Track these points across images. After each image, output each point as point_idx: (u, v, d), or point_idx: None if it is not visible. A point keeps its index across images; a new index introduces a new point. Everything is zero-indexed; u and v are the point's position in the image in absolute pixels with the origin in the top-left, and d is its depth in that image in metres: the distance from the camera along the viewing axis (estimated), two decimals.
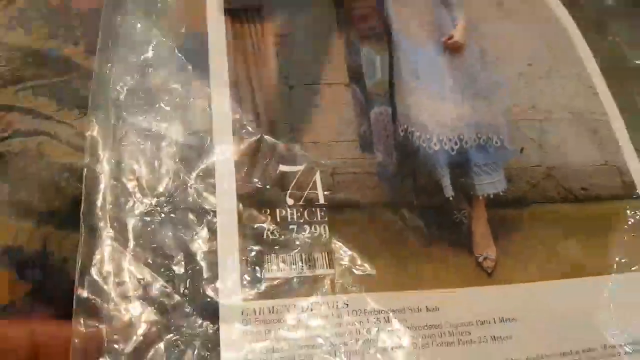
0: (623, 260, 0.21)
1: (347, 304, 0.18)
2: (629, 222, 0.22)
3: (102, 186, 0.18)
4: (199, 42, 0.22)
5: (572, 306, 0.20)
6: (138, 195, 0.18)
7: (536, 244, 0.21)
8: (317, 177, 0.20)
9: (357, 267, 0.19)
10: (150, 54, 0.22)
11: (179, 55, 0.22)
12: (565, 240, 0.21)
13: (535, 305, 0.20)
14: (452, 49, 0.24)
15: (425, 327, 0.18)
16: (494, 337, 0.19)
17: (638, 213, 0.22)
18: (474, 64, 0.24)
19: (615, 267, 0.21)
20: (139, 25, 0.22)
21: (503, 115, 0.23)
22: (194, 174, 0.20)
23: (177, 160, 0.20)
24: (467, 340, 0.19)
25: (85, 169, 0.18)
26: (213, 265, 0.18)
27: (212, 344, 0.17)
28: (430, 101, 0.23)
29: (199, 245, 0.18)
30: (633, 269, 0.21)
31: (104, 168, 0.18)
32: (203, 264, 0.18)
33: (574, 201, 0.22)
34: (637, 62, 0.28)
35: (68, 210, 0.19)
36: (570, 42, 0.27)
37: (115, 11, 0.22)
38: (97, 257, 0.17)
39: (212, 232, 0.19)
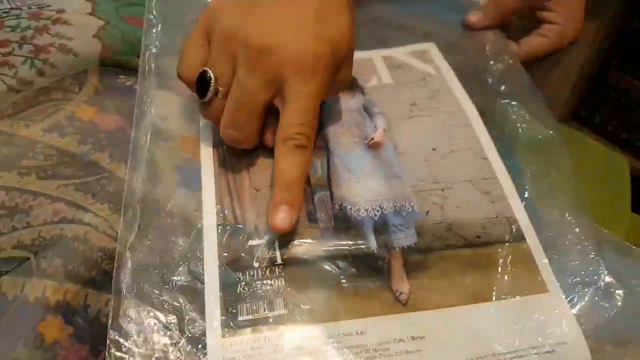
0: (504, 290, 0.28)
1: (298, 333, 0.26)
2: (510, 260, 0.29)
3: (128, 263, 0.27)
4: (194, 163, 0.32)
5: (467, 325, 0.26)
6: (152, 267, 0.27)
7: (440, 280, 0.28)
8: (276, 244, 0.29)
9: (304, 305, 0.27)
10: (160, 170, 0.32)
11: (180, 171, 0.32)
12: (462, 276, 0.28)
13: (439, 326, 0.26)
14: (373, 147, 0.34)
15: (355, 347, 0.25)
16: (407, 351, 0.25)
17: (518, 253, 0.29)
18: (390, 156, 0.33)
19: (498, 295, 0.27)
20: (154, 149, 0.32)
21: (411, 189, 0.31)
22: (190, 252, 0.28)
23: (178, 242, 0.29)
24: (386, 354, 0.25)
25: (117, 252, 0.27)
26: (202, 312, 0.26)
27: None
28: (358, 185, 0.31)
29: (193, 299, 0.27)
30: (510, 296, 0.27)
31: (129, 251, 0.27)
32: (195, 312, 0.26)
33: (470, 246, 0.29)
34: (525, 134, 0.36)
35: (102, 278, 0.27)
36: (469, 125, 0.35)
37: (140, 140, 0.32)
38: (123, 309, 0.25)
39: (202, 289, 0.27)
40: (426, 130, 0.35)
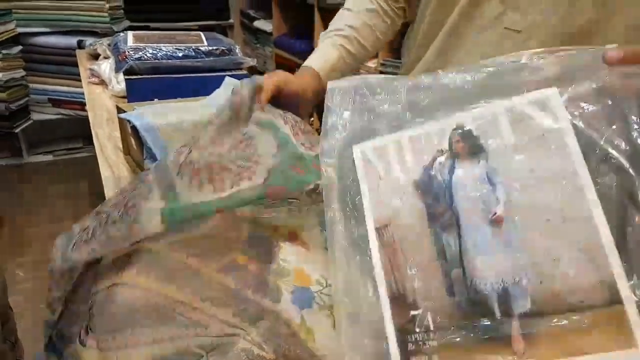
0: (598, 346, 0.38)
1: None
2: (607, 323, 0.38)
3: None
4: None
5: None
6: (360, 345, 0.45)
7: (546, 337, 0.40)
8: (429, 315, 0.44)
9: (446, 353, 0.42)
10: None
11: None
12: (566, 336, 0.39)
13: None
14: (496, 221, 0.43)
15: None
16: None
17: (614, 316, 0.38)
18: (510, 230, 0.42)
19: (594, 350, 0.38)
20: None
21: (528, 260, 0.41)
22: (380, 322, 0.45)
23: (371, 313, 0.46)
24: None
25: None
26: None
27: None
28: (484, 264, 0.42)
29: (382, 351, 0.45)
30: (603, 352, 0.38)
31: None
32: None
33: (573, 310, 0.39)
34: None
35: None
36: (583, 194, 0.41)
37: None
38: None
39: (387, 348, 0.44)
40: (541, 200, 0.42)
